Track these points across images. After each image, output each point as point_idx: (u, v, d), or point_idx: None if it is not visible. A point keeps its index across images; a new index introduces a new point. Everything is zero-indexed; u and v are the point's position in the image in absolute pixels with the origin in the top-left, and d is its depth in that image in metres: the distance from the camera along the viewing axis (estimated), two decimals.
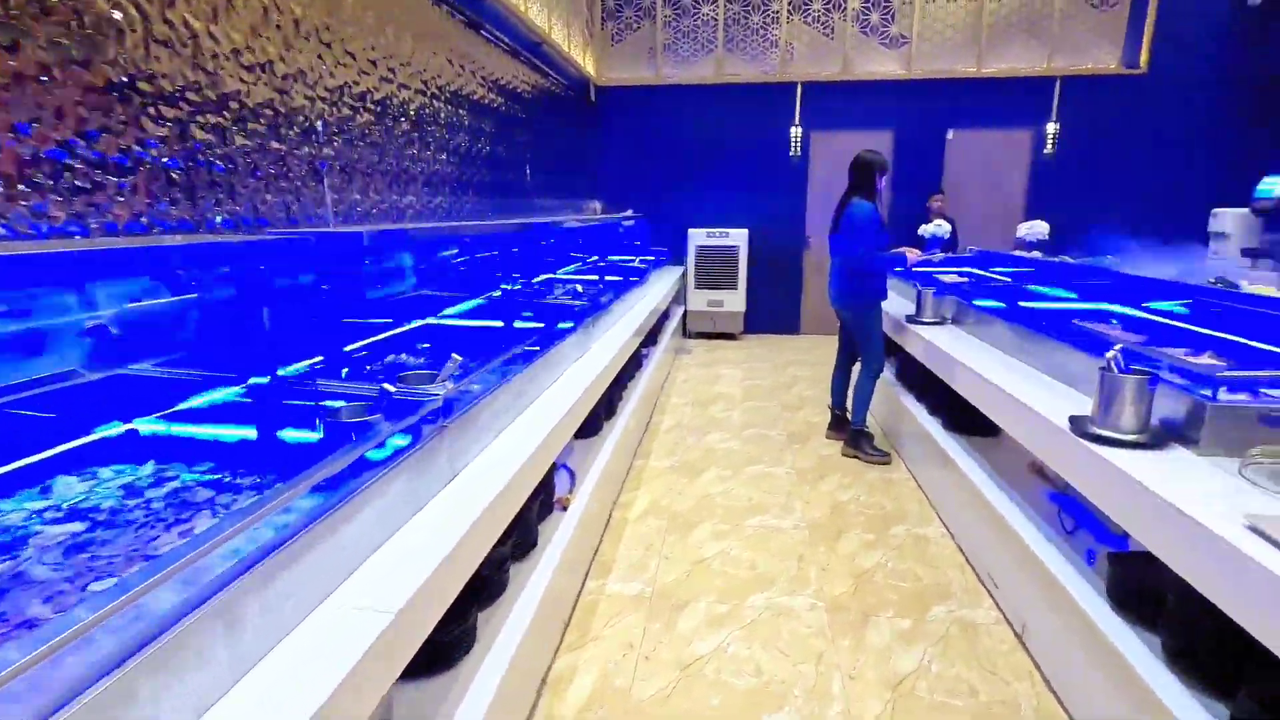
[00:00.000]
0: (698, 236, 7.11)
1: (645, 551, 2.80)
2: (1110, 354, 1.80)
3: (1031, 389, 2.37)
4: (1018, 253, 5.35)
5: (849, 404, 3.91)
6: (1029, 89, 6.59)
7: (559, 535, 2.26)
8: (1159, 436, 1.76)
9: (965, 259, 5.48)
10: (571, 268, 5.07)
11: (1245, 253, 6.04)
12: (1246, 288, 2.91)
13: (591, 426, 3.15)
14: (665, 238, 7.30)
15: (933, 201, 6.39)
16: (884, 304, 3.80)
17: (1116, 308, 3.47)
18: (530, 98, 5.06)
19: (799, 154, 7.02)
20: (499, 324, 2.89)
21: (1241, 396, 1.72)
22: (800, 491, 3.38)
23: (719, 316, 7.25)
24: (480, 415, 1.83)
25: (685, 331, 7.34)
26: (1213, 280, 3.14)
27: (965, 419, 3.14)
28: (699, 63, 7.00)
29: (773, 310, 7.47)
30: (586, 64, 6.57)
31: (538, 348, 2.40)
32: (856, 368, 3.87)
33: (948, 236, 5.60)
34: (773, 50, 6.86)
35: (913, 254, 3.69)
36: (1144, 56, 6.30)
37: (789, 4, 6.73)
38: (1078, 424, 1.90)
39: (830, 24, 6.72)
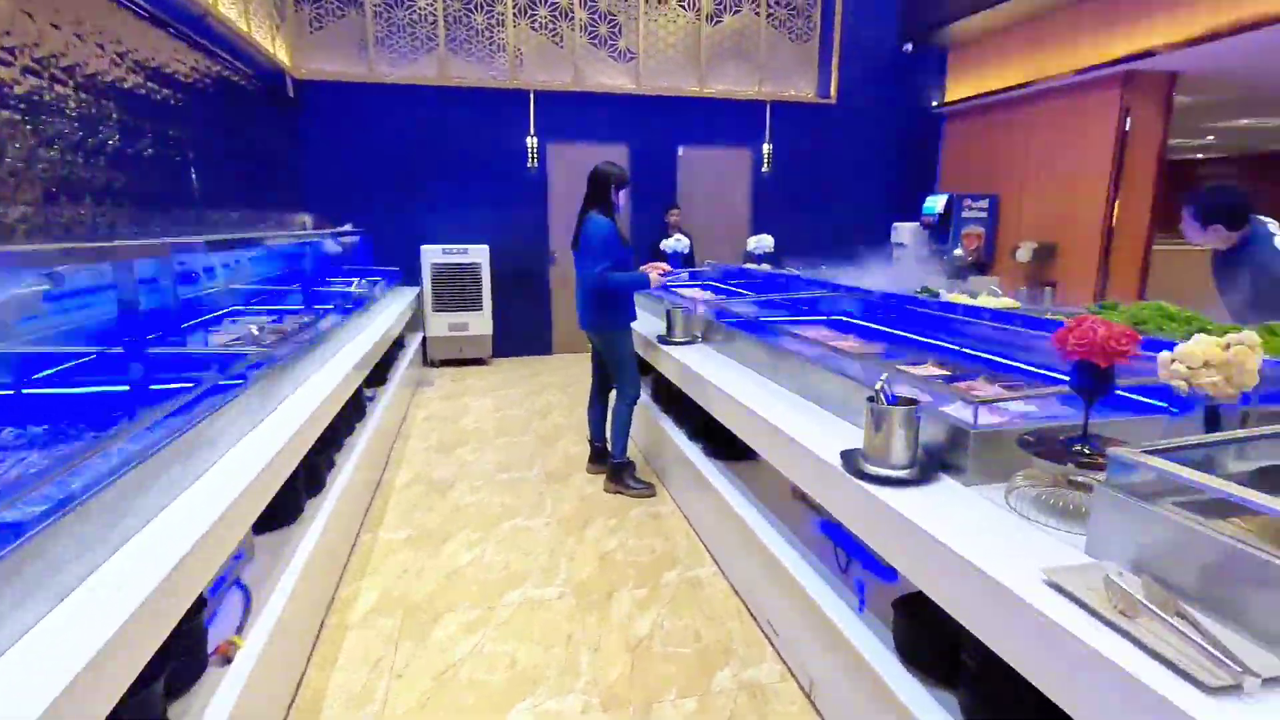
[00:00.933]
0: (433, 253, 6.40)
1: (371, 671, 2.14)
2: (879, 384, 1.65)
3: (789, 414, 2.21)
4: (749, 266, 5.60)
5: (608, 435, 3.60)
6: (746, 111, 7.04)
7: (218, 705, 1.53)
8: (927, 468, 1.65)
9: (706, 273, 5.58)
10: (258, 296, 4.09)
11: (918, 260, 7.12)
12: (945, 296, 3.17)
13: (286, 511, 2.38)
14: (395, 255, 6.46)
15: (670, 216, 6.48)
16: (635, 324, 3.57)
17: (843, 318, 3.64)
18: (194, 84, 3.98)
19: (536, 165, 6.68)
20: (121, 389, 2.02)
21: (997, 420, 1.67)
22: (564, 546, 2.95)
23: (465, 341, 6.60)
24: (21, 568, 1.07)
25: (426, 360, 6.56)
26: (919, 289, 3.41)
27: (725, 443, 2.99)
28: (420, 61, 6.30)
29: (522, 331, 7.03)
30: (278, 51, 5.50)
31: (156, 427, 1.63)
32: (614, 395, 3.58)
33: (687, 251, 5.68)
34: (501, 54, 6.43)
35: (657, 272, 3.50)
36: (833, 88, 7.09)
37: (514, 7, 6.37)
38: (850, 460, 1.73)
39: (559, 32, 6.49)
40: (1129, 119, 5.43)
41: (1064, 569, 1.20)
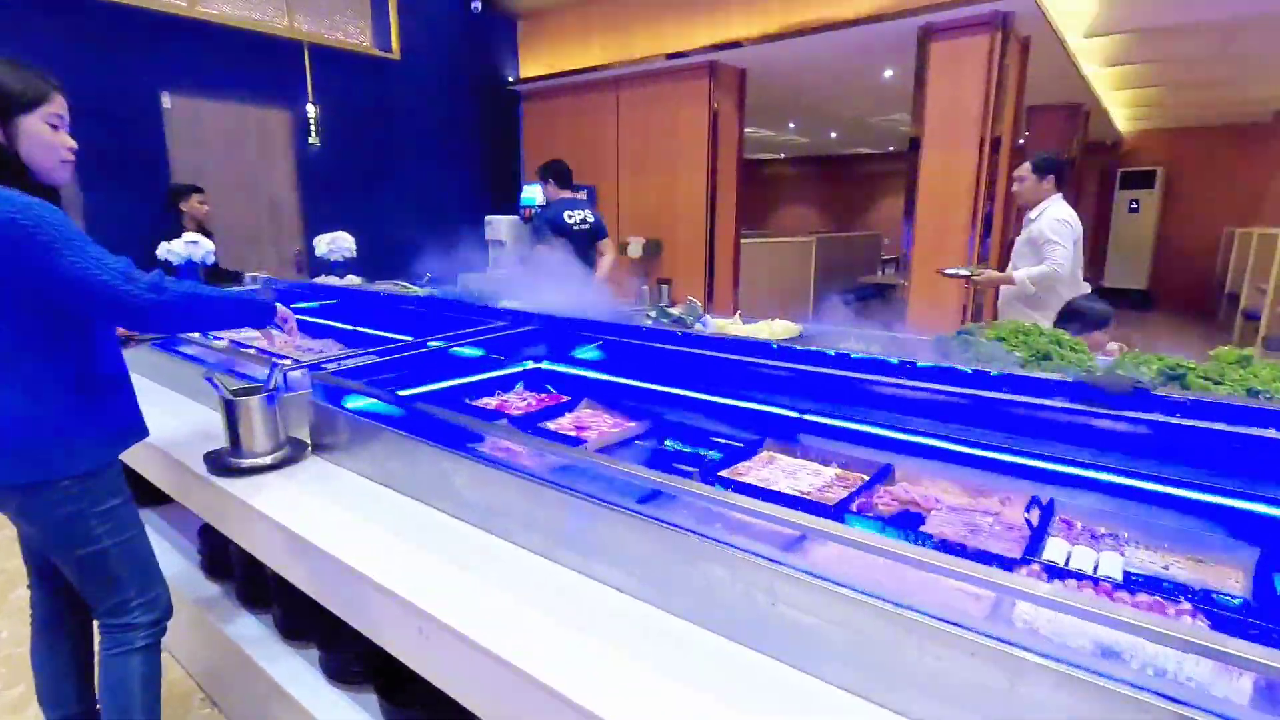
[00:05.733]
0: None
1: None
2: None
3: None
4: (327, 280, 3.71)
5: (103, 710, 1.51)
6: (275, 52, 4.87)
7: None
8: None
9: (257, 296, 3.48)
10: None
11: (520, 259, 6.15)
12: (713, 325, 2.13)
13: None
14: None
15: (192, 202, 3.98)
16: (143, 442, 1.55)
17: (546, 364, 2.31)
18: None
19: None
20: None
21: None
22: None
23: None
24: None
25: None
26: (652, 313, 2.30)
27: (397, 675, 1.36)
28: None
29: None
30: None
31: None
32: (96, 628, 1.49)
33: (211, 262, 3.43)
34: None
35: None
36: (394, 39, 5.47)
37: None
38: None
39: None
40: (716, 111, 5.37)
41: None
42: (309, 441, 1.73)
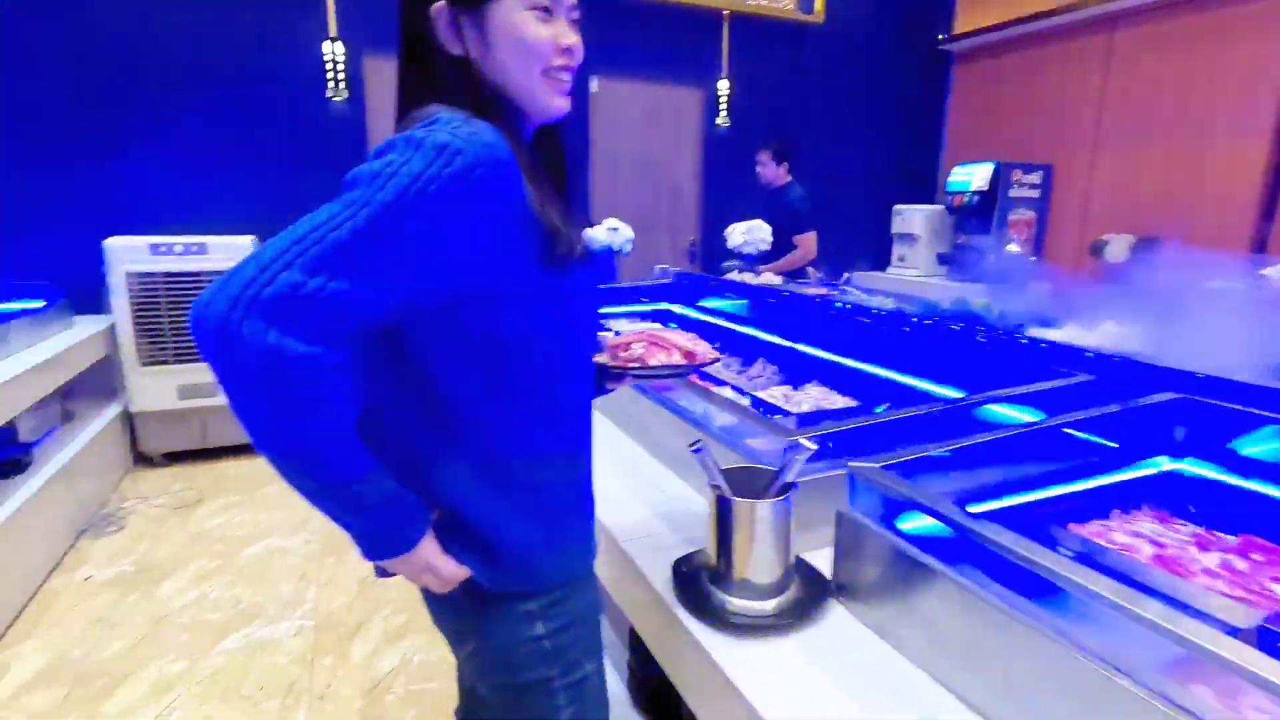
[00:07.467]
0: (131, 255, 3.30)
1: None
2: None
3: None
4: (737, 275, 3.16)
5: None
6: (694, 24, 4.54)
7: None
8: None
9: (654, 288, 3.07)
10: None
11: (941, 259, 5.02)
12: None
13: None
14: (43, 255, 3.38)
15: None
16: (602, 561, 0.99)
17: (1190, 464, 1.28)
18: None
19: (346, 94, 3.82)
20: None
21: None
22: None
23: (215, 415, 3.59)
24: None
25: (137, 455, 3.53)
26: None
27: None
28: None
29: None
30: None
31: None
32: None
33: (630, 251, 3.14)
34: None
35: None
36: (819, 1, 4.76)
37: None
38: None
39: None
40: None
41: None
42: (828, 577, 1.01)
